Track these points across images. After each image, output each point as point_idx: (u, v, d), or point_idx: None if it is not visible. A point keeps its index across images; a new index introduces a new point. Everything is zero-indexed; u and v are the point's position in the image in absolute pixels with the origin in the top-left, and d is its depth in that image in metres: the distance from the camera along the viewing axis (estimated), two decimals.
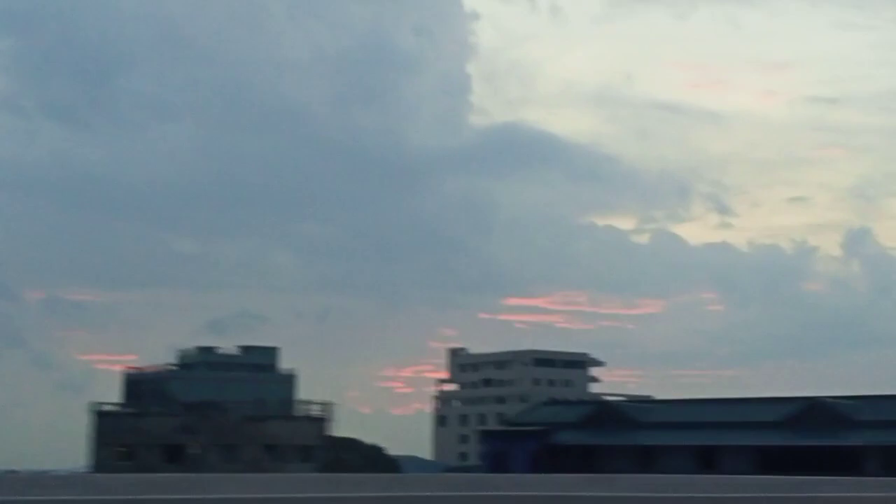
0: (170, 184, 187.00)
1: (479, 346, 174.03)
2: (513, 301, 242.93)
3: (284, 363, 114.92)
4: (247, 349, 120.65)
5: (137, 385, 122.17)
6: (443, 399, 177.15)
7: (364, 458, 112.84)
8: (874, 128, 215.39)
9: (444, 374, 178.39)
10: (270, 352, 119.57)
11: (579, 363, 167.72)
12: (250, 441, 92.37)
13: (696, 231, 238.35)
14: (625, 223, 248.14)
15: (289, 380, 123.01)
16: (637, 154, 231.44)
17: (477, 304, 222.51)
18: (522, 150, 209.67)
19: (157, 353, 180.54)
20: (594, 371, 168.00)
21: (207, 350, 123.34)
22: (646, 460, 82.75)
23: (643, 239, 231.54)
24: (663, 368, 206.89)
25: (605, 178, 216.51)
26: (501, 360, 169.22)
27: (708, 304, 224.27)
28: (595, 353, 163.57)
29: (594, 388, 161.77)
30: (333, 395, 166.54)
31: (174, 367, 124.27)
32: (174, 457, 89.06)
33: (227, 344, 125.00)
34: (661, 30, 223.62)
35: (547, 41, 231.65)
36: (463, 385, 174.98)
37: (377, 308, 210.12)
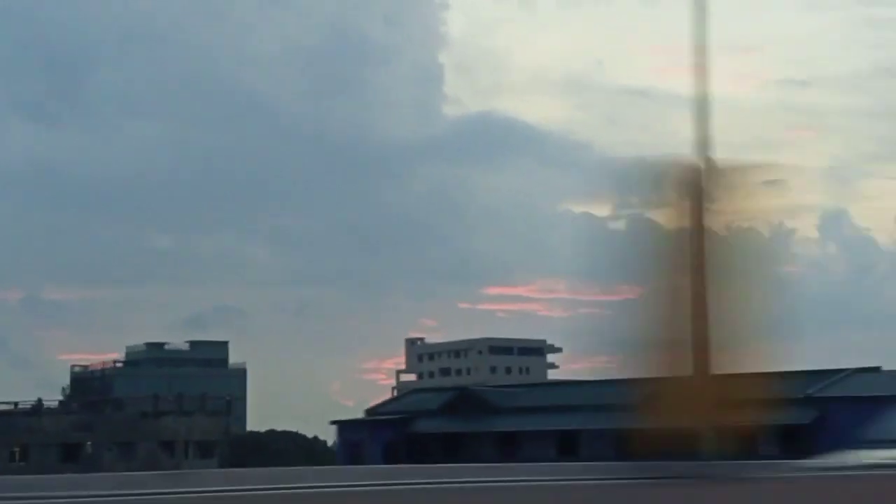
0: (143, 180, 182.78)
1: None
2: (493, 290, 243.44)
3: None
4: (196, 344, 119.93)
5: (83, 383, 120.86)
6: (401, 390, 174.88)
7: (302, 450, 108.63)
8: (846, 109, 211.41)
9: (402, 365, 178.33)
10: (220, 346, 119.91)
11: (537, 350, 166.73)
12: (146, 438, 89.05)
13: (673, 216, 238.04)
14: (601, 210, 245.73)
15: (239, 374, 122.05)
16: (610, 140, 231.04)
17: (456, 293, 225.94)
18: (496, 138, 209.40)
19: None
20: (552, 357, 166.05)
21: (156, 346, 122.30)
22: (507, 447, 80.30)
23: (620, 225, 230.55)
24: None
25: (578, 164, 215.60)
26: (458, 349, 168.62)
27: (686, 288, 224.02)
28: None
29: (553, 375, 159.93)
30: (314, 388, 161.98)
31: (121, 365, 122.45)
32: (70, 456, 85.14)
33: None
34: (630, 14, 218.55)
35: (517, 28, 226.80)
36: (420, 375, 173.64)
37: (356, 300, 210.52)
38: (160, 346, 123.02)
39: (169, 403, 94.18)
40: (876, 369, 77.35)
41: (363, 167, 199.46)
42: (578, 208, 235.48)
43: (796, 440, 70.02)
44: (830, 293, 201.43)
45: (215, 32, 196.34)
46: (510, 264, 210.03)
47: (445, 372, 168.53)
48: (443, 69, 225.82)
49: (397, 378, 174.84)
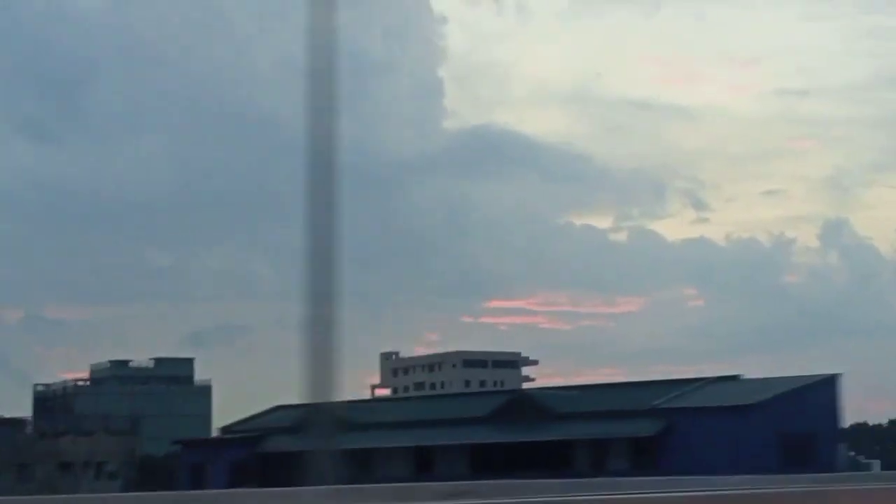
0: (144, 197, 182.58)
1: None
2: (495, 303, 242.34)
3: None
4: (161, 361, 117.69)
5: (45, 401, 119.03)
6: None
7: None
8: (846, 118, 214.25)
9: (376, 379, 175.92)
10: (185, 363, 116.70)
11: (512, 363, 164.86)
12: (43, 459, 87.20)
13: (674, 227, 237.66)
14: (602, 222, 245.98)
15: (204, 392, 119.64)
16: (610, 152, 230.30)
17: (459, 307, 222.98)
18: (496, 151, 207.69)
19: None
20: (527, 370, 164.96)
21: (120, 364, 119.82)
22: (363, 465, 78.89)
23: (621, 237, 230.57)
24: (644, 366, 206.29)
25: (579, 177, 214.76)
26: (432, 363, 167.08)
27: (688, 299, 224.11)
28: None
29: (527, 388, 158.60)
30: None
31: (84, 383, 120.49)
32: None
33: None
34: (628, 26, 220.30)
35: (515, 41, 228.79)
36: (395, 389, 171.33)
37: (358, 314, 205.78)
38: (124, 363, 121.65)
39: (123, 422, 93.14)
40: (735, 378, 78.13)
41: (363, 182, 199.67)
42: (579, 220, 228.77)
43: (644, 452, 70.59)
44: (832, 302, 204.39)
45: (214, 49, 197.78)
46: (511, 277, 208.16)
47: (420, 386, 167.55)
48: (442, 83, 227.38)
49: (372, 393, 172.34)
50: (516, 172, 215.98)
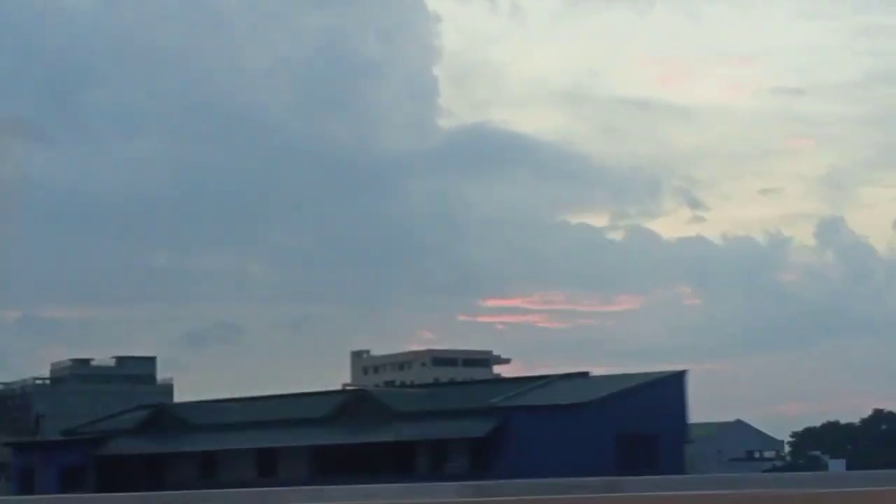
0: (140, 198, 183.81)
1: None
2: (491, 302, 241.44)
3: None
4: (123, 360, 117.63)
5: (4, 399, 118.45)
6: None
7: None
8: (842, 117, 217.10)
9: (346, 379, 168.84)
10: (148, 362, 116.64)
11: (483, 361, 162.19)
12: None
13: (670, 226, 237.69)
14: (598, 220, 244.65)
15: (166, 390, 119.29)
16: (606, 151, 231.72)
17: (455, 306, 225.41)
18: (492, 150, 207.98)
19: None
20: (498, 369, 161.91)
21: (81, 362, 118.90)
22: (208, 468, 78.01)
23: (617, 235, 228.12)
24: (642, 365, 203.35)
25: (575, 175, 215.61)
26: (402, 362, 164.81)
27: (685, 298, 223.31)
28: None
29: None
30: None
31: (44, 381, 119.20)
32: None
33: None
34: (623, 25, 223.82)
35: (511, 40, 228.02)
36: (365, 388, 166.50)
37: (354, 314, 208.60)
38: (86, 362, 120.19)
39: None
40: (585, 374, 77.57)
41: (359, 182, 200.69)
42: (576, 219, 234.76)
43: (479, 453, 70.28)
44: (828, 300, 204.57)
45: (211, 50, 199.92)
46: (508, 276, 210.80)
47: (390, 384, 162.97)
48: (437, 82, 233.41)
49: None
50: (512, 171, 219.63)
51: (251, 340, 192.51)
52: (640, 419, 69.67)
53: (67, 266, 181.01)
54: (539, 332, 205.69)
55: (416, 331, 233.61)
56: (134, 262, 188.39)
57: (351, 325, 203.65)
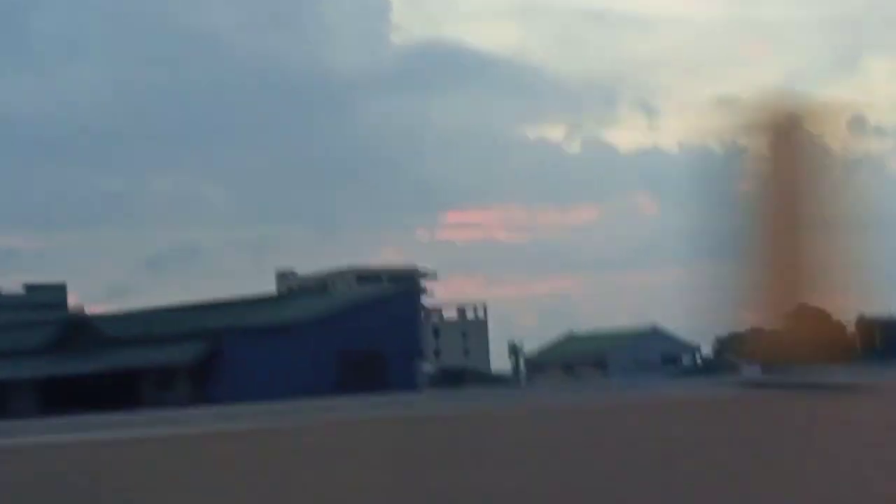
0: (89, 122, 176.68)
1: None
2: (451, 218, 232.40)
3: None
4: (32, 288, 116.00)
5: None
6: None
7: None
8: (800, 21, 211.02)
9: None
10: (57, 289, 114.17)
11: (409, 278, 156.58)
12: None
13: (626, 136, 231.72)
14: (555, 134, 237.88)
15: None
16: (562, 63, 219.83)
17: (415, 222, 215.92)
18: (447, 66, 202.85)
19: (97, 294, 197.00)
20: (428, 284, 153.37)
21: None
22: None
23: (574, 148, 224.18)
24: (599, 274, 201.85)
25: (531, 89, 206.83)
26: (325, 280, 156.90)
27: (642, 208, 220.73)
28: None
29: (427, 302, 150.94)
30: None
31: None
32: None
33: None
34: None
35: None
36: None
37: (314, 235, 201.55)
38: None
39: None
40: (324, 292, 75.53)
41: (313, 100, 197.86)
42: (532, 133, 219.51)
43: (194, 379, 67.37)
44: None
45: None
46: (467, 192, 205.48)
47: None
48: None
49: None
50: (468, 86, 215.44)
51: (208, 263, 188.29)
52: (365, 337, 67.89)
53: (20, 193, 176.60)
54: (498, 247, 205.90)
55: (377, 248, 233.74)
56: (88, 188, 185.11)
57: (311, 245, 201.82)
